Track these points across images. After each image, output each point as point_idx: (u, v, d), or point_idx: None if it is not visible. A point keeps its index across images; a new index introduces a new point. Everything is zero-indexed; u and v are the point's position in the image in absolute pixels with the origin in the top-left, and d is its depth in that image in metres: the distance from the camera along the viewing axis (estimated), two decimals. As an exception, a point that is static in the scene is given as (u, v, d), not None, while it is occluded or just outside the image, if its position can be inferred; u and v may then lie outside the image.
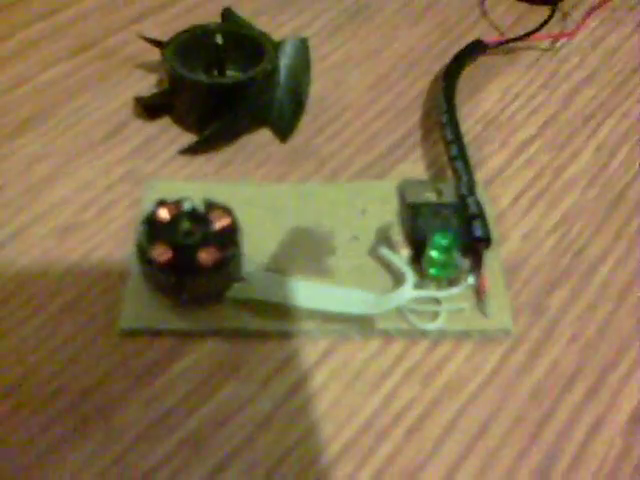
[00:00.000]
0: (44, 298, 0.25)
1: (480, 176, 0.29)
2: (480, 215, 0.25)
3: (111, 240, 0.27)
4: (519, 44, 0.35)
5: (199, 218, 0.24)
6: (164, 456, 0.21)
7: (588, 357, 0.24)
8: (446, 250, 0.24)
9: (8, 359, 0.23)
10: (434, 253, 0.24)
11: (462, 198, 0.26)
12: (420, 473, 0.21)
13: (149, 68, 0.33)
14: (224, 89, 0.29)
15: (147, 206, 0.25)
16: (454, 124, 0.29)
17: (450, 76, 0.31)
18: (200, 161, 0.30)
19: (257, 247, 0.25)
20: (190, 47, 0.31)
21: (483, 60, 0.34)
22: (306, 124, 0.31)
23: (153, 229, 0.24)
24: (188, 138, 0.30)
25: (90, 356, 0.23)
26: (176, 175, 0.29)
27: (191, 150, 0.30)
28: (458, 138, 0.28)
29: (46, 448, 0.21)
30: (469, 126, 0.31)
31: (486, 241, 0.25)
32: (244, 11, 0.34)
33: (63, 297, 0.25)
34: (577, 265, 0.26)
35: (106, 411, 0.22)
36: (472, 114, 0.32)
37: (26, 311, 0.24)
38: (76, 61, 0.34)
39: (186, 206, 0.24)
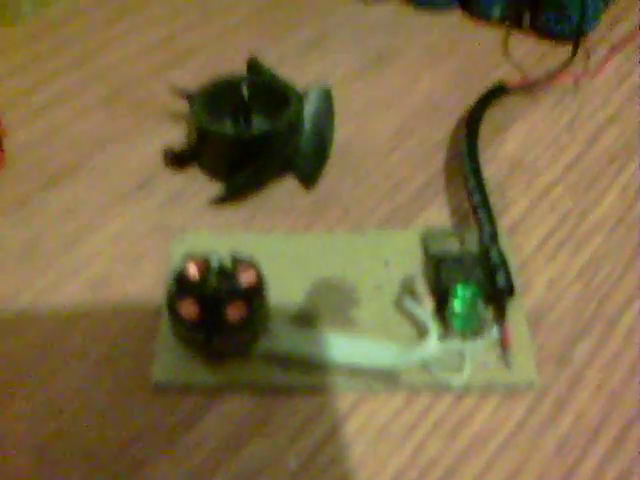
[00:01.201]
0: (79, 352, 0.25)
1: (504, 222, 0.29)
2: (503, 265, 0.25)
3: (142, 293, 0.27)
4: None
5: (226, 274, 0.25)
6: (194, 512, 0.22)
7: (613, 407, 0.24)
8: (469, 301, 0.24)
9: (42, 414, 0.24)
10: (457, 305, 0.24)
11: (484, 248, 0.26)
12: (447, 528, 0.22)
13: (179, 117, 0.34)
14: (250, 141, 0.30)
15: (176, 260, 0.26)
16: (476, 171, 0.29)
17: (471, 122, 0.32)
18: (228, 212, 0.30)
19: (283, 298, 0.26)
20: (217, 98, 0.32)
21: (506, 102, 0.34)
22: (331, 171, 0.32)
23: (182, 285, 0.24)
24: (216, 188, 0.31)
25: (124, 412, 0.24)
26: (204, 226, 0.30)
27: (219, 201, 0.30)
28: (480, 186, 0.28)
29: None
30: (492, 170, 0.31)
31: (509, 292, 0.25)
32: (268, 55, 0.35)
33: (97, 351, 0.25)
34: (602, 312, 0.26)
35: (137, 469, 0.23)
36: (495, 157, 0.32)
37: (60, 365, 0.25)
38: (107, 111, 0.35)
39: (214, 262, 0.25)
